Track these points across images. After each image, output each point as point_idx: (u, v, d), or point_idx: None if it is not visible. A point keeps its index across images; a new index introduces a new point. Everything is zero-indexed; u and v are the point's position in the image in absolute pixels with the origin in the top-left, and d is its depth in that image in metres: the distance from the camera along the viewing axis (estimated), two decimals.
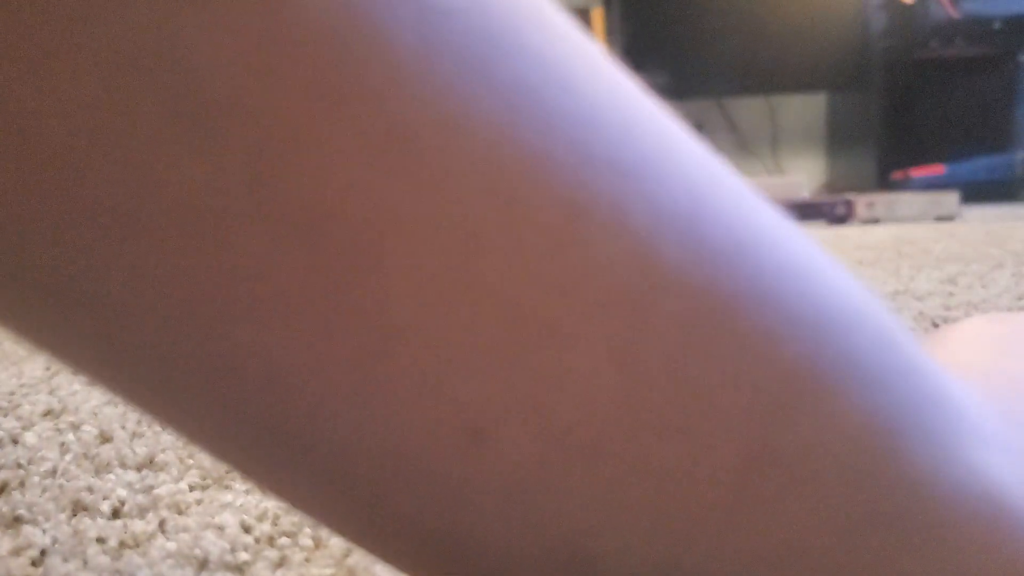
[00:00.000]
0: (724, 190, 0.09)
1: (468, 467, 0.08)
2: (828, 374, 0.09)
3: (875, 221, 1.43)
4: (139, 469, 0.24)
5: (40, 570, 0.17)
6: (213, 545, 0.18)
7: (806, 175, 2.24)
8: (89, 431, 0.28)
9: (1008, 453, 0.11)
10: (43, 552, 0.18)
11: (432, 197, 0.07)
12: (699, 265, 0.08)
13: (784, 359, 0.09)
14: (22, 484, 0.23)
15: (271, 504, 0.20)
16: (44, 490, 0.23)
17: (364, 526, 0.09)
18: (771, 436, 0.09)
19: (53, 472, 0.24)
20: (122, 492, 0.22)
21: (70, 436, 0.28)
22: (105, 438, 0.28)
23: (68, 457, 0.26)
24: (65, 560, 0.18)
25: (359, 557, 0.17)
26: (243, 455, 0.09)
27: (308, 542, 0.18)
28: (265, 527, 0.19)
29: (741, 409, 0.08)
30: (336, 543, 0.18)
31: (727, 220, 0.09)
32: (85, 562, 0.18)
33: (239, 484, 0.23)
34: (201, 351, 0.08)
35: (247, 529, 0.19)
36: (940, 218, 1.42)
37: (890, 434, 0.09)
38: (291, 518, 0.19)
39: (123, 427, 0.29)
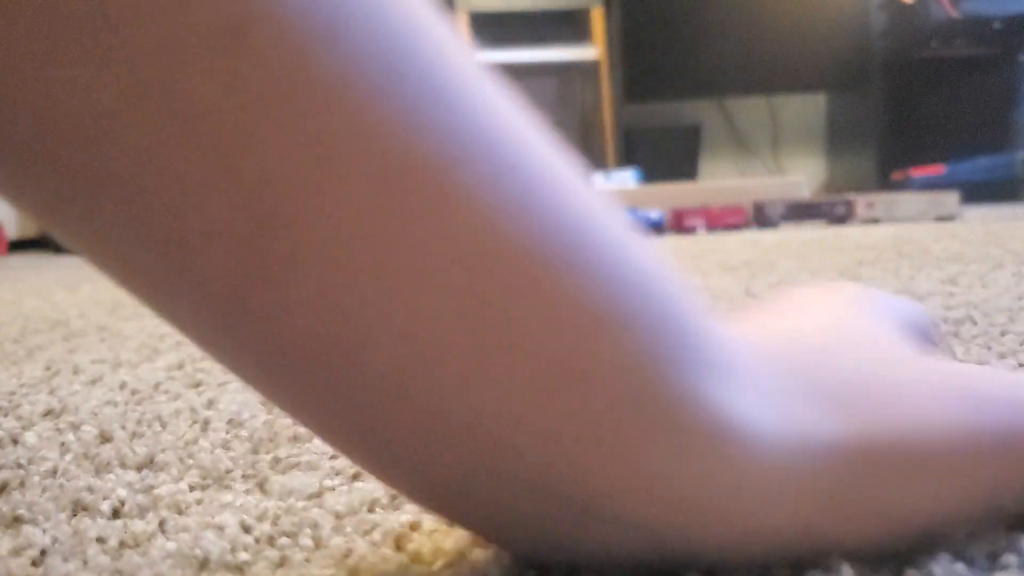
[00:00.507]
0: (492, 113, 0.12)
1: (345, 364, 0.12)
2: (562, 267, 0.12)
3: (875, 221, 1.43)
4: (139, 469, 0.24)
5: (40, 570, 0.17)
6: (213, 545, 0.18)
7: (806, 175, 2.24)
8: (89, 431, 0.28)
9: (756, 389, 0.14)
10: (43, 552, 0.18)
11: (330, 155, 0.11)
12: (461, 169, 0.12)
13: (528, 257, 0.12)
14: (22, 484, 0.23)
15: (271, 504, 0.20)
16: (44, 490, 0.23)
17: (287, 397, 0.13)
18: (501, 310, 0.12)
19: (53, 472, 0.24)
20: (122, 492, 0.22)
21: (70, 436, 0.28)
22: (105, 438, 0.28)
23: (68, 457, 0.26)
24: (65, 560, 0.18)
25: (359, 557, 0.17)
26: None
27: (308, 542, 0.18)
28: (265, 527, 0.19)
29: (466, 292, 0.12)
30: (336, 543, 0.18)
31: (498, 136, 0.12)
32: (85, 562, 0.18)
33: (239, 484, 0.23)
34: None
35: (247, 529, 0.19)
36: (940, 218, 1.42)
37: (627, 342, 0.12)
38: (291, 518, 0.19)
39: (123, 427, 0.29)
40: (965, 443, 0.15)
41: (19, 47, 0.10)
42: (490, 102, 0.12)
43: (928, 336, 0.20)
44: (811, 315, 0.18)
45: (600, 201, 0.13)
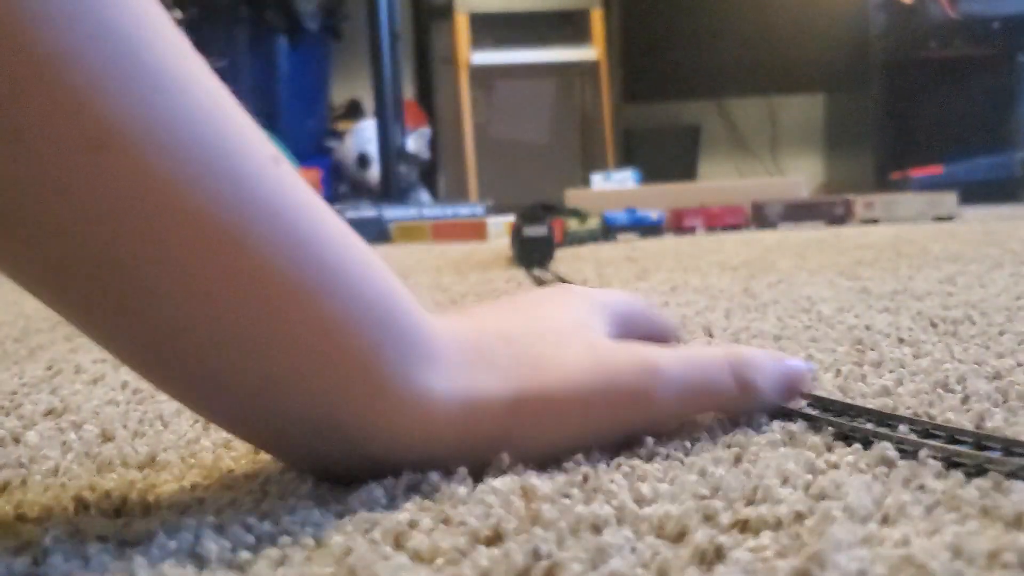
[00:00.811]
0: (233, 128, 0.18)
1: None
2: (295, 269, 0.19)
3: (874, 221, 1.43)
4: (141, 468, 0.24)
5: (42, 569, 0.17)
6: (214, 544, 0.18)
7: (805, 175, 2.24)
8: (91, 430, 0.28)
9: (445, 368, 0.21)
10: (45, 551, 0.18)
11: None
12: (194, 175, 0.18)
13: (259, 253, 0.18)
14: (24, 483, 0.23)
15: (271, 504, 0.21)
16: (46, 489, 0.23)
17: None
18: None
19: (55, 471, 0.24)
20: (124, 491, 0.22)
21: (72, 435, 0.28)
22: (107, 437, 0.28)
23: (70, 456, 0.26)
24: (67, 559, 0.18)
25: (359, 556, 0.17)
26: None
27: (309, 541, 0.18)
28: (266, 526, 0.19)
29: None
30: (336, 541, 0.18)
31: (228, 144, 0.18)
32: (87, 561, 0.18)
33: (241, 484, 0.23)
34: None
35: (248, 528, 0.19)
36: (939, 218, 1.42)
37: (351, 332, 0.20)
38: (291, 517, 0.19)
39: (125, 426, 0.29)
40: (592, 399, 0.22)
41: None
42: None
43: (636, 322, 0.27)
44: (517, 310, 0.25)
45: (353, 238, 0.20)
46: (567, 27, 2.40)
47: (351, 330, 0.20)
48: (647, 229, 1.31)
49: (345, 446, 0.21)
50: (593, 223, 1.20)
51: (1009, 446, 0.20)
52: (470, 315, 0.25)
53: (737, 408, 0.25)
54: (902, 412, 0.26)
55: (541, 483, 0.20)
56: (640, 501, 0.19)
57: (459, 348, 0.22)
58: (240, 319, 0.19)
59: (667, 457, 0.22)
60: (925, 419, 0.24)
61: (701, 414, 0.24)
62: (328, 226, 0.20)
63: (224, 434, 0.28)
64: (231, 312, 0.18)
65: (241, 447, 0.26)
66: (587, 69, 2.34)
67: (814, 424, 0.25)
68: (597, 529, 0.18)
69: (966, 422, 0.24)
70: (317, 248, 0.19)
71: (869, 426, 0.23)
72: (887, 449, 0.22)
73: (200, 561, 0.17)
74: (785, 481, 0.20)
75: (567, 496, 0.20)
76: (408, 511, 0.19)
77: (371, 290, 0.20)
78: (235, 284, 0.18)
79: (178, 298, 0.18)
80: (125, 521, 0.20)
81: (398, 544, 0.18)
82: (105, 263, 0.17)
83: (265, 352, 0.19)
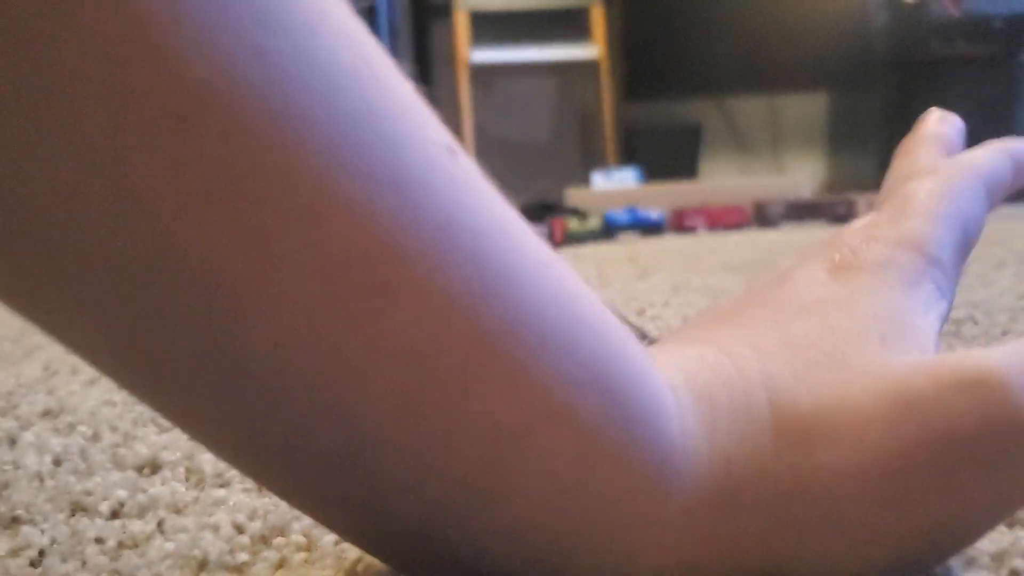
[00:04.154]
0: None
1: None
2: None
3: None
4: (138, 469, 0.24)
5: (39, 570, 0.17)
6: (212, 545, 0.18)
7: (807, 174, 2.24)
8: (87, 431, 0.28)
9: (690, 431, 0.14)
10: (41, 552, 0.18)
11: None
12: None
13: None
14: (20, 484, 0.23)
15: (261, 503, 0.20)
16: (42, 491, 0.23)
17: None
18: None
19: (51, 472, 0.24)
20: (121, 492, 0.22)
21: (68, 436, 0.28)
22: (103, 438, 0.28)
23: (66, 457, 0.26)
24: (64, 560, 0.18)
25: (355, 559, 0.17)
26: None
27: (301, 539, 0.18)
28: (257, 525, 0.19)
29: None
30: (328, 540, 0.18)
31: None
32: (84, 562, 0.18)
33: (237, 483, 0.23)
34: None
35: (240, 528, 0.19)
36: None
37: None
38: (283, 516, 0.19)
39: (121, 428, 0.29)
40: (896, 469, 0.13)
41: None
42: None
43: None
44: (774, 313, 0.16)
45: (570, 279, 0.13)
46: (567, 25, 2.39)
47: (608, 429, 0.13)
48: (648, 229, 1.31)
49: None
50: (594, 223, 1.20)
51: None
52: (702, 328, 0.17)
53: None
54: None
55: None
56: None
57: (697, 398, 0.14)
58: (368, 399, 0.12)
59: None
60: None
61: None
62: (537, 258, 0.13)
63: None
64: (357, 391, 0.12)
65: None
66: (587, 67, 2.34)
67: None
68: None
69: None
70: (519, 290, 0.12)
71: None
72: None
73: (198, 563, 0.17)
74: None
75: None
76: None
77: (612, 360, 0.13)
78: (375, 341, 0.11)
79: (280, 359, 0.11)
80: (122, 523, 0.20)
81: None
82: (187, 281, 0.11)
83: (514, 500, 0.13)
